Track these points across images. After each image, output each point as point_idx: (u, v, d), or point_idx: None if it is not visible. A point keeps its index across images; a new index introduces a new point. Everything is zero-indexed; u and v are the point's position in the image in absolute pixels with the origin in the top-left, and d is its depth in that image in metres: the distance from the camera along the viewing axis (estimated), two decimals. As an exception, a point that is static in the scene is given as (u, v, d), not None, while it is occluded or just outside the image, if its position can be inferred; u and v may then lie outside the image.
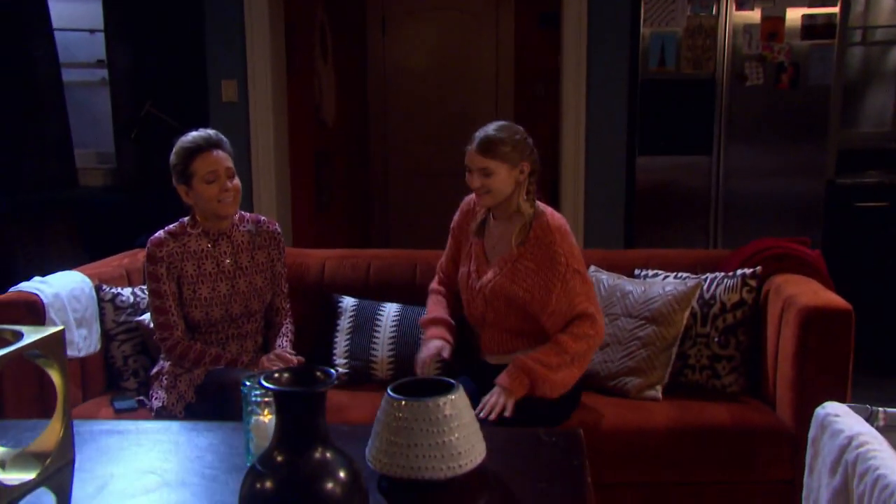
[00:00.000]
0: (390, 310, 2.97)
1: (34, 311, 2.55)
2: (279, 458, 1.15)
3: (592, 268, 3.01)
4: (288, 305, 2.84)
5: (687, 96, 4.27)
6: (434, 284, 2.80)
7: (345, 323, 2.97)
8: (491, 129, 2.49)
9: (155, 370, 2.71)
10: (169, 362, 2.66)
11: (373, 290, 3.08)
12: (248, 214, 2.82)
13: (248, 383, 1.64)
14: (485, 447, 1.41)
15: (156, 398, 2.63)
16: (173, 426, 1.85)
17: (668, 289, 2.78)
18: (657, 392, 2.69)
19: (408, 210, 5.70)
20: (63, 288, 2.68)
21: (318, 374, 1.21)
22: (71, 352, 2.63)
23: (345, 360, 2.91)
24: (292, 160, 4.65)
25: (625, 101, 4.35)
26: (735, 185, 4.34)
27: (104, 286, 2.86)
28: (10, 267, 4.39)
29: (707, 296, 2.80)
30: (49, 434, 1.58)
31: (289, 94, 4.59)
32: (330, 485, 1.13)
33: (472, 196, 2.68)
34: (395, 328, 2.91)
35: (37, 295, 2.58)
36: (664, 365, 2.72)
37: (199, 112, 4.35)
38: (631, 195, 4.40)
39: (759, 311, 2.78)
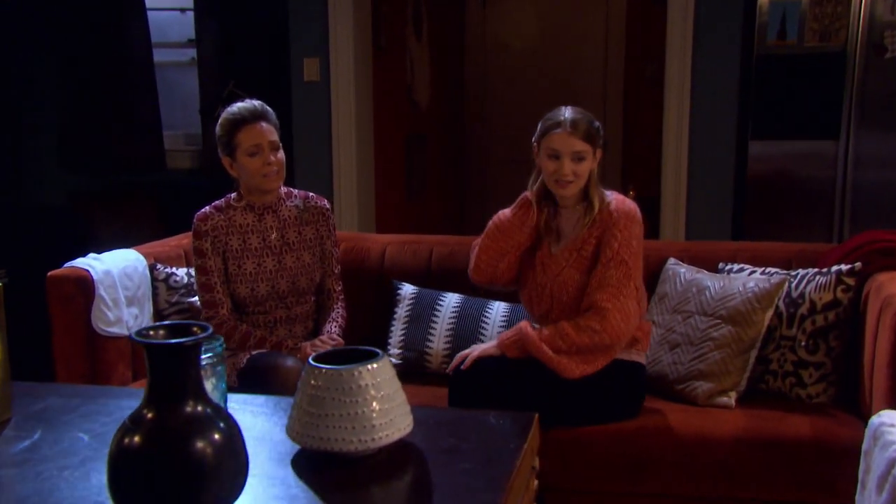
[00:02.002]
0: (451, 300, 3.00)
1: (84, 287, 2.73)
2: (149, 415, 1.20)
3: (671, 260, 2.94)
4: (339, 288, 2.92)
5: (811, 73, 4.07)
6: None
7: (402, 311, 3.02)
8: (571, 112, 2.55)
9: (203, 352, 2.85)
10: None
11: (434, 279, 3.13)
12: (297, 191, 2.91)
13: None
14: (410, 422, 1.42)
15: (201, 380, 2.76)
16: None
17: (749, 285, 2.67)
18: (730, 399, 2.60)
19: (505, 198, 5.68)
20: (115, 265, 2.86)
21: (195, 328, 1.27)
22: (119, 330, 2.80)
23: (399, 351, 2.96)
24: (378, 144, 4.74)
25: (737, 80, 4.20)
26: (865, 174, 4.09)
27: (158, 265, 3.02)
28: (95, 248, 4.71)
29: (795, 294, 2.68)
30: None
31: (376, 73, 4.68)
32: (200, 444, 1.17)
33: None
34: (453, 320, 2.94)
35: (87, 271, 2.76)
36: (740, 369, 2.62)
37: (282, 92, 4.50)
38: (741, 185, 4.25)
39: (856, 313, 2.64)
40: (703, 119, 4.22)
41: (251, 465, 1.26)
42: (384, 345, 3.00)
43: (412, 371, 2.93)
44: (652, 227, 4.52)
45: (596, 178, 2.58)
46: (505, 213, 2.66)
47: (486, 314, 2.93)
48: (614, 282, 2.46)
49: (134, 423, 1.20)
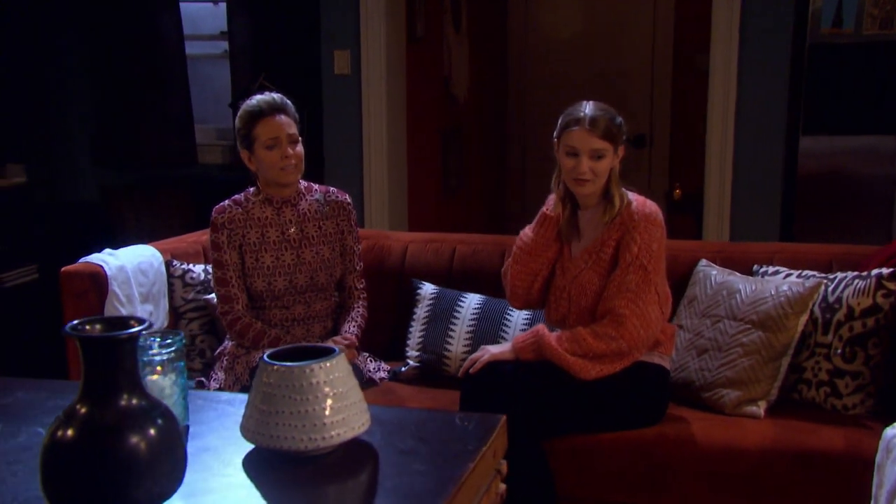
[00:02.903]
0: (471, 301, 3.01)
1: (97, 283, 2.80)
2: (82, 410, 1.23)
3: (703, 262, 2.91)
4: (362, 286, 2.95)
5: (869, 63, 3.97)
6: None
7: (422, 312, 3.03)
8: (592, 108, 2.55)
9: (219, 350, 2.90)
10: (232, 341, 2.83)
11: (456, 278, 3.14)
12: (318, 185, 2.95)
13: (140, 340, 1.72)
14: (365, 421, 1.44)
15: (214, 378, 2.82)
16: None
17: (782, 289, 2.63)
18: (758, 408, 2.56)
19: (548, 195, 5.66)
20: (130, 261, 2.92)
21: (132, 321, 1.29)
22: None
23: (417, 353, 2.98)
24: (412, 138, 4.76)
25: (787, 70, 4.11)
26: (926, 172, 4.00)
27: (175, 261, 3.08)
28: (126, 243, 4.82)
29: (832, 299, 2.63)
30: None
31: (410, 65, 4.70)
32: (134, 439, 1.20)
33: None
34: (473, 321, 2.94)
35: (101, 266, 2.83)
36: (770, 377, 2.58)
37: (312, 85, 4.55)
38: (790, 183, 4.17)
39: (898, 319, 2.57)
40: (750, 112, 4.14)
41: (199, 462, 1.28)
42: (403, 346, 3.02)
43: (430, 374, 2.94)
44: (695, 227, 4.47)
45: (617, 176, 2.56)
46: (527, 233, 2.68)
47: (508, 316, 2.93)
48: (633, 287, 2.45)
49: (67, 417, 1.23)
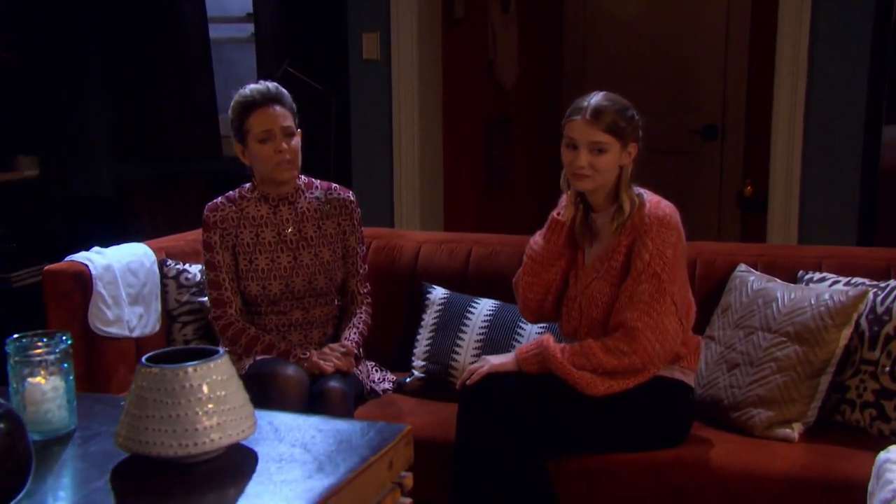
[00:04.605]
0: (484, 306, 3.04)
1: (81, 283, 2.92)
2: None
3: (741, 267, 2.89)
4: (365, 290, 3.00)
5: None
6: None
7: (430, 318, 3.08)
8: (599, 98, 2.57)
9: (211, 357, 2.99)
10: (225, 348, 2.92)
11: (471, 282, 3.18)
12: (319, 181, 3.01)
13: (23, 340, 1.80)
14: (247, 428, 1.48)
15: (204, 387, 2.90)
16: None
17: (823, 298, 2.60)
18: (792, 431, 2.54)
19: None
20: (118, 260, 3.04)
21: None
22: (120, 330, 2.98)
23: (422, 363, 3.02)
24: (449, 130, 4.80)
25: (867, 52, 4.03)
26: None
27: (169, 261, 3.19)
28: (144, 240, 4.98)
29: (880, 310, 2.59)
30: None
31: (448, 49, 4.74)
32: None
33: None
34: (484, 329, 2.98)
35: (86, 265, 2.94)
36: (806, 397, 2.55)
37: (339, 72, 4.63)
38: (870, 178, 4.08)
39: (957, 334, 2.52)
40: (823, 97, 4.06)
41: (67, 468, 1.35)
42: (409, 355, 3.07)
43: (436, 386, 2.98)
44: (759, 227, 4.41)
45: (629, 178, 2.56)
46: (537, 240, 2.70)
47: (522, 324, 2.95)
48: (646, 297, 2.45)
49: None
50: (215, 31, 5.22)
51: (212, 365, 1.46)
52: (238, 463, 1.47)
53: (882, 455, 1.60)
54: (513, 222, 5.45)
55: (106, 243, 3.17)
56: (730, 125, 5.59)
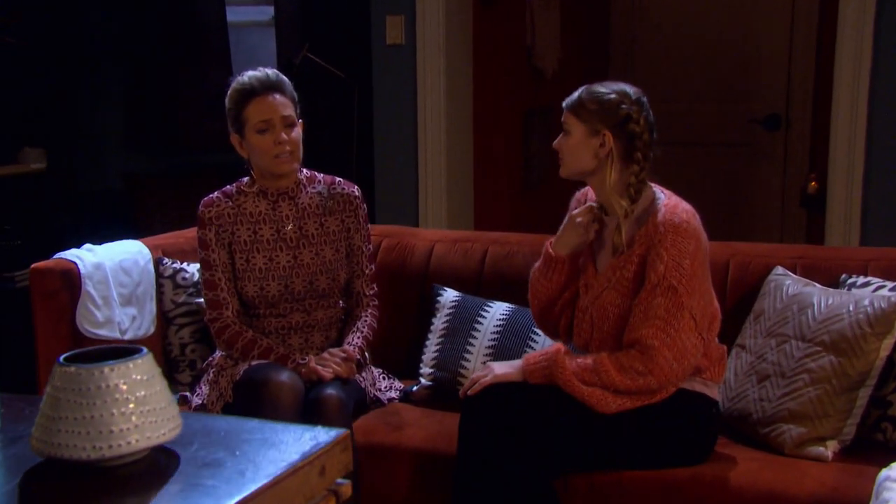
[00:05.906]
0: (497, 310, 3.06)
1: (69, 282, 2.99)
2: None
3: (778, 270, 2.87)
4: (372, 292, 3.04)
5: None
6: None
7: (440, 322, 3.10)
8: (599, 83, 2.63)
9: (207, 361, 3.04)
10: (221, 352, 2.97)
11: (486, 284, 3.20)
12: (323, 175, 3.05)
13: None
14: (169, 430, 1.51)
15: (198, 394, 2.96)
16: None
17: (863, 304, 2.57)
18: (825, 449, 2.52)
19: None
20: (110, 258, 3.10)
21: None
22: (110, 332, 3.04)
23: (430, 370, 3.05)
24: (480, 120, 4.81)
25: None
26: None
27: (165, 259, 3.25)
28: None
29: (926, 318, 2.55)
30: None
31: (479, 33, 4.75)
32: None
33: (585, 189, 2.76)
34: (496, 335, 3.00)
35: (74, 263, 3.01)
36: (842, 412, 2.53)
37: (361, 57, 4.68)
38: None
39: None
40: (888, 84, 4.02)
41: None
42: (418, 361, 3.10)
43: (444, 395, 3.00)
44: (818, 228, 4.36)
45: (613, 176, 2.57)
46: (538, 277, 2.77)
47: (536, 330, 2.96)
48: (662, 313, 2.44)
49: None
50: (233, 15, 5.31)
51: (131, 364, 1.49)
52: (159, 468, 1.50)
53: (883, 472, 1.60)
54: (551, 222, 5.43)
55: (113, 240, 3.23)
56: (794, 115, 5.52)
